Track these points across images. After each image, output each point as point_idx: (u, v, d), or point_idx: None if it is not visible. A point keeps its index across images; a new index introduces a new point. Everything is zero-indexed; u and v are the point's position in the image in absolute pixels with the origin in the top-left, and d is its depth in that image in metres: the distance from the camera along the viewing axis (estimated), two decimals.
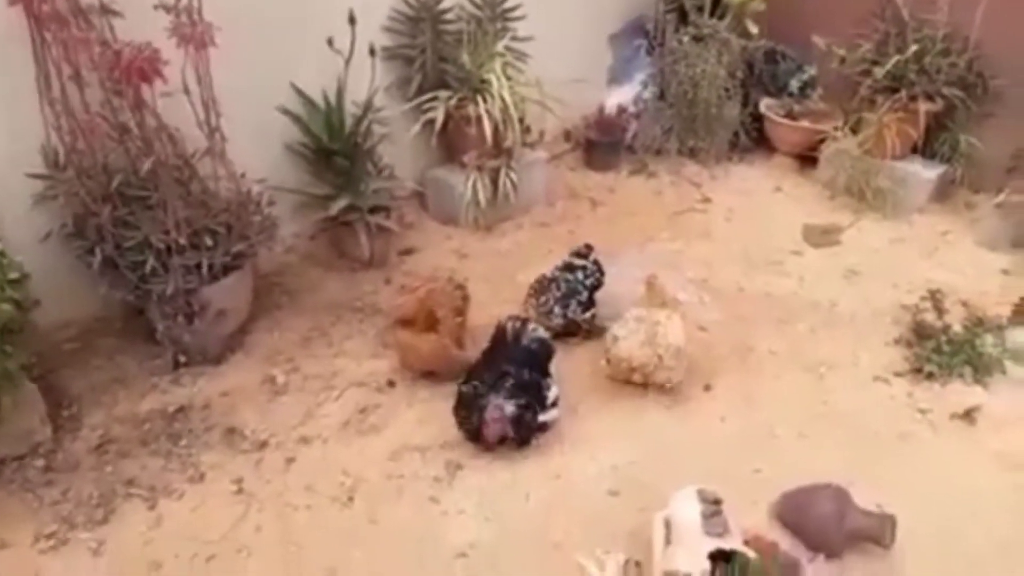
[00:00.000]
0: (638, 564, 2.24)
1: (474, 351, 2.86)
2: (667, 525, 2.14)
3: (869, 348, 3.15)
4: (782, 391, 2.93)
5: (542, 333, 2.80)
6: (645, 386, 2.86)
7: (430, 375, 2.90)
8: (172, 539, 2.34)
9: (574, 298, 3.08)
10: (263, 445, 2.65)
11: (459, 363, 2.83)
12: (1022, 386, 2.93)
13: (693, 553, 1.95)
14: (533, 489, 2.51)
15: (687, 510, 2.10)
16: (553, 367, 2.78)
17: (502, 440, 2.56)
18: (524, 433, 2.58)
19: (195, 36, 2.34)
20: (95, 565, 2.28)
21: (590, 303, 3.14)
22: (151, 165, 2.48)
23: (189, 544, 2.32)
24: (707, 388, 2.93)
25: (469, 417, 2.58)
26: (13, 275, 2.35)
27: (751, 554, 1.97)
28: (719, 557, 1.94)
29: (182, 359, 2.90)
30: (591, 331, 3.13)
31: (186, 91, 2.49)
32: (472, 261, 3.70)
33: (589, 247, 3.30)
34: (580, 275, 3.15)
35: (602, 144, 4.51)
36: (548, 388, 2.67)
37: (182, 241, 2.64)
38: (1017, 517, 2.46)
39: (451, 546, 2.32)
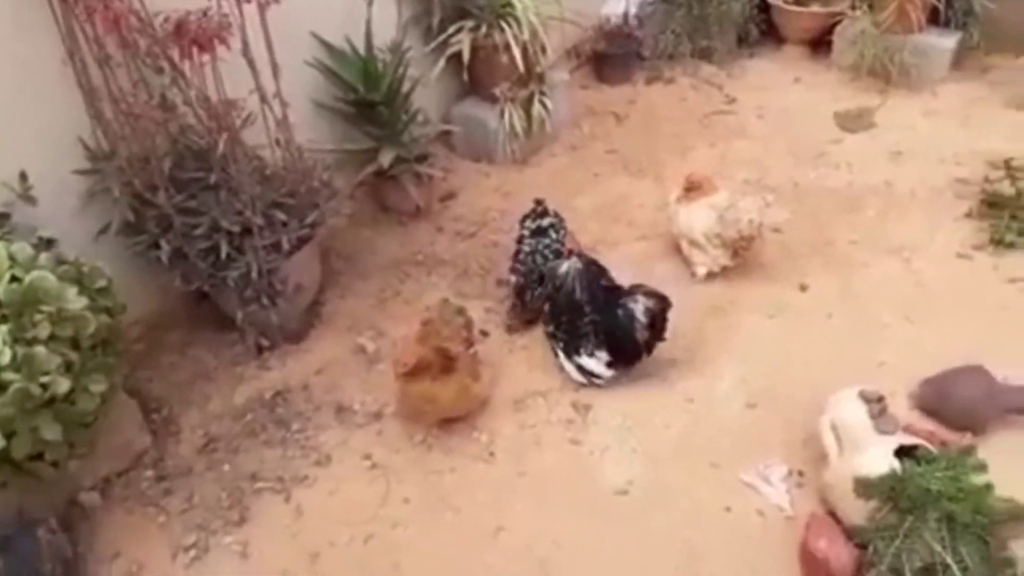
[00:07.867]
0: (801, 473, 2.25)
1: (492, 382, 2.57)
2: (833, 429, 2.13)
3: (941, 226, 3.16)
4: (875, 279, 2.93)
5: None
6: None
7: (448, 421, 2.49)
8: (320, 527, 2.25)
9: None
10: (378, 416, 2.56)
11: (480, 401, 2.52)
12: None
13: (878, 454, 1.95)
14: (670, 417, 2.48)
15: (852, 412, 2.08)
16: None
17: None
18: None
19: None
20: (246, 568, 2.18)
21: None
22: (226, 143, 2.27)
23: (340, 529, 2.24)
24: (803, 288, 2.91)
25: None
26: (100, 283, 2.16)
27: (932, 448, 1.99)
28: (903, 454, 1.95)
29: (264, 342, 2.76)
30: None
31: (245, 55, 2.26)
32: (517, 197, 3.54)
33: (539, 201, 2.87)
34: (549, 239, 2.76)
35: (613, 56, 4.35)
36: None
37: (258, 220, 2.46)
38: None
39: (609, 485, 2.29)
